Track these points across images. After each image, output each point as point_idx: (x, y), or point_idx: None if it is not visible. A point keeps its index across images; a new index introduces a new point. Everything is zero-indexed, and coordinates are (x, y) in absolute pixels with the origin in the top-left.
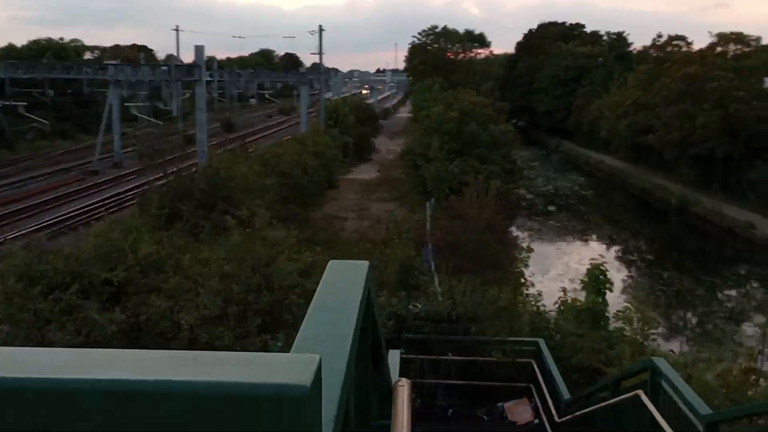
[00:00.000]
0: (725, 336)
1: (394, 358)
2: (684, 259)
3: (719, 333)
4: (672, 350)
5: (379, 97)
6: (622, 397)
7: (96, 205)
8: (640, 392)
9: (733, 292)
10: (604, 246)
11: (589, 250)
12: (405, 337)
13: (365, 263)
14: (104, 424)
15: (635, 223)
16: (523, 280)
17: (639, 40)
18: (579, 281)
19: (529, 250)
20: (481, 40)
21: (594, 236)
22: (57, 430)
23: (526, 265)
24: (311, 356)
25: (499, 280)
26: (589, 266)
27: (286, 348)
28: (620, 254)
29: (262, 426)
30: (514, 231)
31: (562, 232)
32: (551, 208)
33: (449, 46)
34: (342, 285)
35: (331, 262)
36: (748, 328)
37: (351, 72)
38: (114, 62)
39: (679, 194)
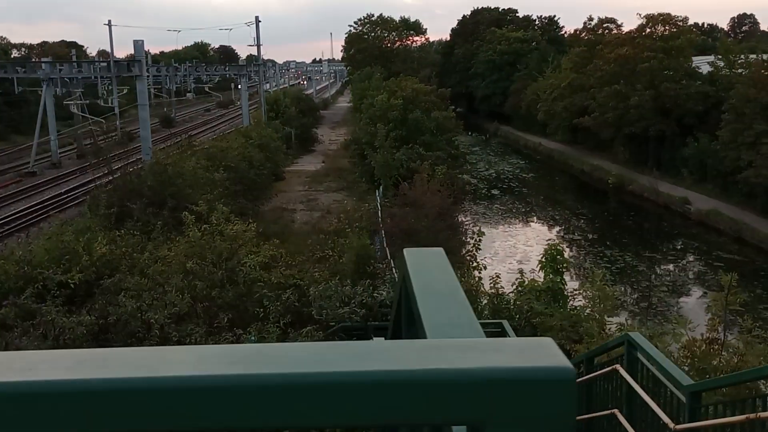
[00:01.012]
0: (669, 309)
1: None
2: (624, 236)
3: (663, 306)
4: (630, 324)
5: (317, 87)
6: (599, 372)
7: (37, 208)
8: (618, 366)
9: (672, 267)
10: (548, 227)
11: (533, 232)
12: (372, 325)
13: (440, 249)
14: (372, 415)
15: (576, 203)
16: (475, 264)
17: (570, 24)
18: (527, 262)
19: (480, 233)
20: (416, 28)
21: (537, 218)
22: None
23: (478, 249)
24: (545, 339)
25: (453, 264)
26: (546, 246)
27: (261, 342)
28: (563, 234)
29: (539, 411)
30: (460, 216)
31: (507, 215)
32: (494, 192)
33: (385, 35)
34: (433, 271)
35: (407, 250)
36: (689, 300)
37: (287, 63)
38: (48, 60)
39: (615, 173)
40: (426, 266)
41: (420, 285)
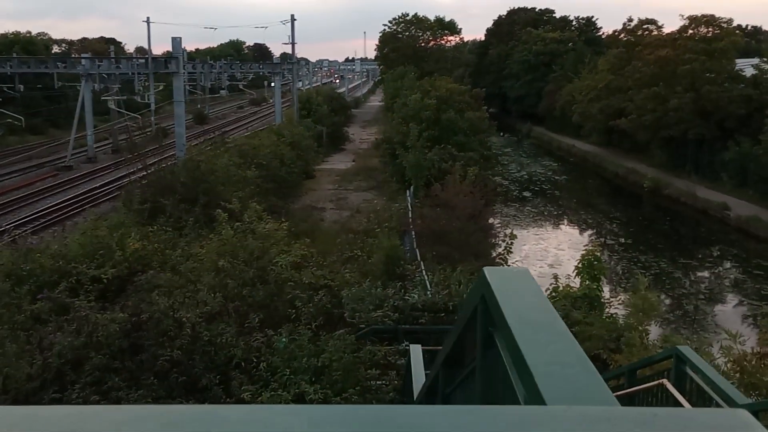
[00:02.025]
0: (706, 318)
1: (416, 352)
2: (660, 241)
3: (700, 315)
4: (667, 334)
5: (350, 86)
6: (644, 386)
7: (72, 201)
8: (665, 381)
9: (709, 274)
10: (580, 230)
11: (565, 235)
12: (402, 328)
13: (526, 270)
14: None
15: (610, 206)
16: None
17: (608, 25)
18: (559, 266)
19: (512, 236)
20: (451, 27)
21: (569, 221)
22: None
23: (510, 252)
24: (739, 412)
25: (484, 267)
26: (577, 251)
27: (292, 343)
28: (596, 238)
29: None
30: (491, 218)
31: (539, 217)
32: (526, 194)
33: (420, 34)
34: (523, 296)
35: (487, 269)
36: (726, 309)
37: (320, 61)
38: (87, 56)
39: (651, 177)
40: (514, 290)
41: (512, 312)
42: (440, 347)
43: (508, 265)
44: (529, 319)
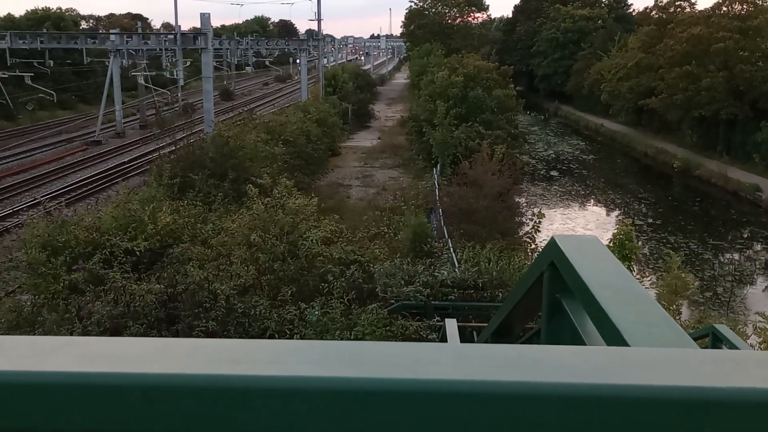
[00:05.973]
0: (736, 299)
1: (451, 326)
2: (689, 222)
3: (730, 296)
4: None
5: (375, 63)
6: None
7: (102, 175)
8: None
9: (739, 256)
10: (607, 210)
11: (593, 215)
12: (432, 304)
13: (595, 237)
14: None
15: (638, 187)
16: (534, 246)
17: (639, 1)
18: None
19: (541, 215)
20: (478, 4)
21: (597, 201)
22: None
23: (538, 231)
24: None
25: (511, 245)
26: (604, 230)
27: (325, 315)
28: (624, 219)
29: None
30: (518, 197)
31: (566, 197)
32: (553, 173)
33: (446, 11)
34: (598, 261)
35: (557, 236)
36: (756, 291)
37: (345, 38)
38: (116, 31)
39: (681, 157)
40: (588, 255)
41: (589, 275)
42: (470, 323)
43: (536, 245)
44: (607, 283)
